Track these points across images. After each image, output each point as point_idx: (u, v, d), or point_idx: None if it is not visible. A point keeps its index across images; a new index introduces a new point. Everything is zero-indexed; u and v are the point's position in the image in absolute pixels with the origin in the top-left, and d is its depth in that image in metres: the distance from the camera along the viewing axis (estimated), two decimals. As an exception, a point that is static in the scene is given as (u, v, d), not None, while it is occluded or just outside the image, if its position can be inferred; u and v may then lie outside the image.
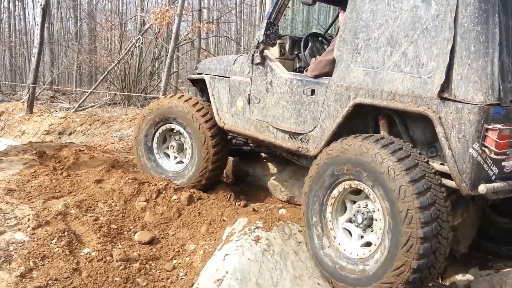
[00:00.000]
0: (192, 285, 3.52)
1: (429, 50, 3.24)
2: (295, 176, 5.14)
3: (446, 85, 3.15)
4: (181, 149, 5.31)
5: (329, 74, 3.95)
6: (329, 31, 5.38)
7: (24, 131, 12.27)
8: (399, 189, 3.05)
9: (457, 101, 3.10)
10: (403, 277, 3.03)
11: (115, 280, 3.66)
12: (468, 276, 4.14)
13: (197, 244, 4.18)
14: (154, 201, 4.65)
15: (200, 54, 20.30)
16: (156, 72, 18.11)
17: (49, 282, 3.47)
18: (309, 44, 4.70)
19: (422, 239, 2.95)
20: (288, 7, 5.09)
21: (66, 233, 3.95)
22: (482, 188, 3.05)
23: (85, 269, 3.68)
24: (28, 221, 4.04)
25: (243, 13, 30.48)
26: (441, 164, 3.39)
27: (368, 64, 3.61)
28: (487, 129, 3.03)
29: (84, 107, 15.56)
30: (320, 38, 4.85)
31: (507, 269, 3.87)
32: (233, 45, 28.32)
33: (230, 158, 5.73)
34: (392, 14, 3.48)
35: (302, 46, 4.68)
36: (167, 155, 5.44)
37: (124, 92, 16.37)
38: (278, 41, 4.73)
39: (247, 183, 5.76)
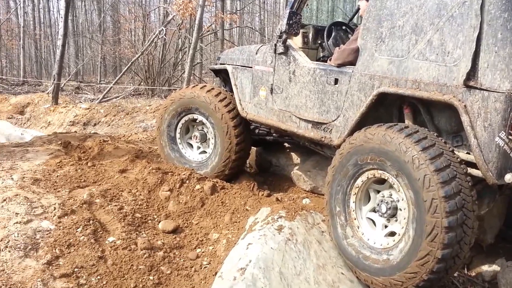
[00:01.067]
0: (216, 273, 3.54)
1: (455, 38, 3.20)
2: (318, 166, 5.14)
3: (472, 73, 3.11)
4: (204, 139, 5.32)
5: (352, 63, 3.93)
6: (353, 20, 5.34)
7: (49, 122, 12.42)
8: (424, 178, 3.03)
9: (483, 89, 3.07)
10: (428, 267, 3.01)
11: (140, 268, 3.71)
12: (495, 267, 4.10)
13: (220, 233, 4.21)
14: (177, 191, 4.69)
15: (224, 45, 20.32)
16: (179, 63, 18.21)
17: (75, 269, 3.53)
18: (333, 33, 4.68)
19: (447, 228, 2.93)
20: (312, -4, 5.06)
21: (91, 221, 4.00)
22: (509, 177, 3.02)
23: (110, 257, 3.73)
24: (54, 210, 4.09)
25: (267, 3, 30.33)
26: (466, 153, 3.35)
27: (392, 52, 3.59)
28: None
29: (108, 98, 15.75)
30: (343, 27, 4.82)
31: (534, 260, 3.83)
32: (257, 36, 28.24)
33: (253, 148, 5.74)
34: (417, 1, 3.44)
35: (325, 35, 4.66)
36: (190, 145, 5.46)
37: (147, 83, 16.50)
38: (301, 30, 4.70)
39: (270, 173, 5.77)
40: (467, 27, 3.14)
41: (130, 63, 16.48)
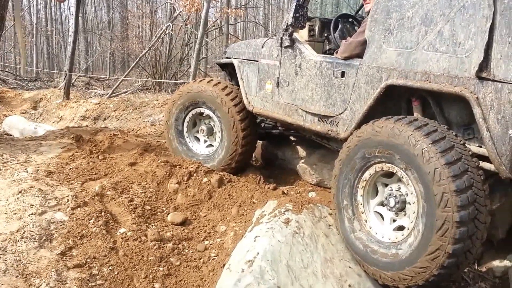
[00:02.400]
0: (224, 265, 3.49)
1: (467, 29, 3.04)
2: (324, 159, 5.00)
3: (484, 65, 2.96)
4: (210, 132, 5.22)
5: (360, 55, 3.78)
6: (359, 12, 5.17)
7: (61, 116, 12.45)
8: (434, 172, 2.88)
9: (496, 81, 2.91)
10: (438, 261, 2.87)
11: (150, 259, 3.69)
12: (506, 263, 3.98)
13: (228, 225, 4.14)
14: (185, 183, 4.63)
15: (229, 40, 20.16)
16: (185, 58, 18.10)
17: (88, 260, 3.53)
18: (339, 26, 4.52)
19: (458, 223, 2.79)
20: (318, -12, 4.91)
21: (103, 213, 4.00)
22: None
23: (122, 248, 3.73)
24: (67, 201, 4.09)
25: (271, -3, 30.08)
26: (478, 146, 3.20)
27: (401, 44, 3.43)
28: None
29: (117, 93, 15.66)
30: (350, 20, 4.67)
31: (545, 256, 3.69)
32: (261, 30, 28.05)
33: (260, 142, 5.63)
34: None
35: (332, 28, 4.51)
36: (197, 139, 5.36)
37: (155, 78, 16.40)
38: (308, 23, 4.55)
39: (277, 167, 5.65)
40: (479, 17, 2.98)
41: (138, 59, 16.36)
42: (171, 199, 4.50)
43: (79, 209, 4.01)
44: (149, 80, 16.79)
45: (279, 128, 5.27)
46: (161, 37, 16.16)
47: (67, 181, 4.54)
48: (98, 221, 3.89)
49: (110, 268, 3.53)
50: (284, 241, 3.44)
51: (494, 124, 2.93)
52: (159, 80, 16.12)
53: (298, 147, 5.47)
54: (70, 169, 4.84)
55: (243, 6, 23.26)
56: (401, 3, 3.44)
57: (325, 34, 4.74)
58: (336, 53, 4.05)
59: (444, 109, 3.42)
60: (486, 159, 3.06)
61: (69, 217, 3.90)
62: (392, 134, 3.16)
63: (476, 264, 4.03)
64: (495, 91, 2.91)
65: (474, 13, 3.01)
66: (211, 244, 3.98)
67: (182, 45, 17.84)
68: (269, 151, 5.78)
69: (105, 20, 28.92)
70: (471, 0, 3.03)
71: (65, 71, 13.27)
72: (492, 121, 2.94)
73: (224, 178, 4.71)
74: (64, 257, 3.50)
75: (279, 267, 3.25)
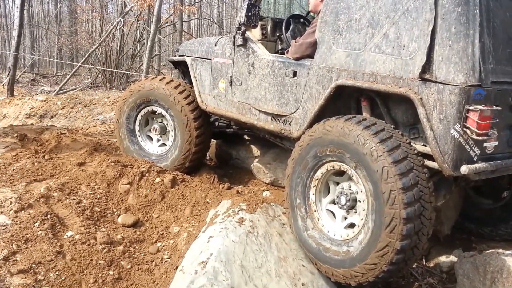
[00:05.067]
0: (177, 267, 3.47)
1: (410, 32, 3.18)
2: (278, 158, 5.08)
3: (427, 67, 3.10)
4: (163, 131, 5.20)
5: (310, 56, 3.87)
6: (311, 13, 5.27)
7: (5, 114, 11.99)
8: (382, 170, 3.00)
9: (438, 82, 3.06)
10: (387, 258, 3.00)
11: (99, 263, 3.63)
12: (452, 258, 4.16)
13: (181, 226, 4.13)
14: (137, 184, 4.58)
15: (182, 37, 20.01)
16: (138, 54, 17.82)
17: (33, 265, 3.43)
18: (291, 26, 4.61)
19: (405, 220, 2.92)
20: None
21: (49, 216, 3.89)
22: (464, 169, 3.02)
23: (69, 252, 3.64)
24: (11, 204, 3.97)
25: (225, -5, 30.05)
26: (423, 145, 3.35)
27: (349, 45, 3.54)
28: (468, 110, 2.98)
29: (65, 90, 15.26)
30: (302, 20, 4.76)
31: (490, 250, 3.88)
32: (215, 28, 27.95)
33: (214, 141, 5.64)
34: None
35: (284, 28, 4.58)
36: (150, 138, 5.34)
37: (105, 75, 16.07)
38: (260, 22, 4.63)
39: (231, 166, 5.69)
40: (422, 21, 3.12)
41: (87, 55, 15.99)
42: (122, 200, 4.45)
43: (23, 211, 3.90)
44: (99, 76, 16.42)
45: (233, 127, 5.31)
46: (112, 32, 15.84)
47: (10, 183, 4.40)
48: (44, 224, 3.78)
49: (57, 273, 3.44)
50: (238, 241, 3.49)
51: (437, 123, 3.08)
52: (111, 72, 15.76)
53: (253, 146, 5.53)
54: (13, 169, 4.69)
55: (197, 3, 23.12)
56: (349, 6, 3.55)
57: (278, 34, 4.82)
58: (287, 53, 4.12)
59: (391, 109, 3.55)
60: (430, 157, 3.20)
61: (12, 220, 3.79)
62: (342, 133, 3.26)
63: (424, 260, 4.20)
64: (437, 92, 3.06)
65: (417, 17, 3.14)
66: (163, 246, 3.96)
67: (134, 42, 17.55)
68: (224, 150, 5.81)
69: (52, 14, 28.03)
70: (414, 4, 3.17)
71: (9, 67, 12.81)
72: (435, 121, 3.08)
73: (178, 178, 4.70)
74: (7, 262, 3.40)
75: (233, 268, 3.28)
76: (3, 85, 14.09)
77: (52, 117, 11.45)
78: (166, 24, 19.21)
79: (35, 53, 24.26)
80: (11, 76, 12.71)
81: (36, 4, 30.05)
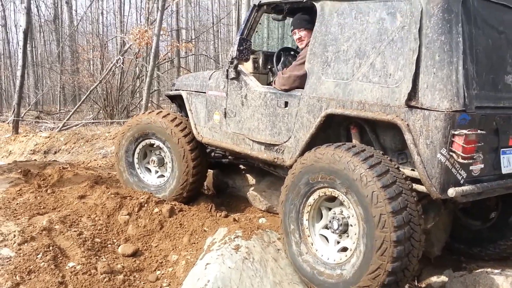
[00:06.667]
0: (176, 295, 3.44)
1: (396, 61, 3.23)
2: (273, 186, 5.08)
3: (413, 94, 3.14)
4: (161, 163, 5.21)
5: (298, 87, 3.92)
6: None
7: (10, 151, 12.02)
8: (372, 195, 3.01)
9: (424, 109, 3.09)
10: (379, 280, 2.99)
11: (101, 293, 3.59)
12: (443, 278, 4.12)
13: (180, 254, 4.12)
14: (136, 214, 4.57)
15: (180, 72, 20.19)
16: (137, 90, 17.95)
17: None
18: (282, 59, 4.68)
19: (395, 242, 2.92)
20: (260, 23, 5.06)
21: (51, 247, 3.89)
22: (451, 192, 3.03)
23: (71, 282, 3.62)
24: (14, 237, 3.98)
25: (220, 32, 30.43)
26: (411, 170, 3.36)
27: (338, 75, 3.59)
28: (453, 135, 3.01)
29: (68, 126, 15.30)
30: (292, 52, 4.83)
31: (479, 270, 3.87)
32: (212, 63, 28.25)
33: (210, 171, 5.65)
34: (359, 27, 3.47)
35: (275, 61, 4.66)
36: (149, 170, 5.35)
37: (106, 111, 16.15)
38: (252, 56, 4.69)
39: (228, 195, 5.68)
40: (406, 50, 3.18)
41: (89, 92, 16.10)
42: (122, 230, 4.43)
43: (26, 244, 3.90)
44: (101, 112, 16.49)
45: (229, 157, 5.33)
46: (112, 70, 16.00)
47: (14, 216, 4.41)
48: (46, 255, 3.78)
49: (59, 303, 3.41)
50: (234, 267, 3.47)
51: (423, 148, 3.10)
52: (111, 111, 15.84)
53: (248, 175, 5.54)
54: (17, 204, 4.71)
55: (193, 40, 23.43)
56: (337, 37, 3.62)
57: (269, 66, 4.89)
58: (274, 83, 4.17)
59: (380, 135, 3.58)
60: (418, 181, 3.21)
61: (15, 252, 3.79)
62: (333, 160, 3.28)
63: (416, 281, 4.16)
64: (423, 118, 3.09)
65: (402, 46, 3.21)
66: (163, 274, 3.94)
67: (134, 78, 17.71)
68: (220, 180, 5.81)
69: (54, 54, 28.34)
70: (399, 34, 3.23)
71: (14, 106, 12.89)
72: (422, 146, 3.11)
73: (175, 208, 4.70)
74: (12, 294, 3.36)
75: (230, 294, 3.25)
76: (8, 123, 14.14)
77: (55, 152, 11.47)
78: (164, 61, 19.43)
79: (38, 92, 24.42)
80: (15, 114, 12.78)
81: (39, 45, 30.43)
